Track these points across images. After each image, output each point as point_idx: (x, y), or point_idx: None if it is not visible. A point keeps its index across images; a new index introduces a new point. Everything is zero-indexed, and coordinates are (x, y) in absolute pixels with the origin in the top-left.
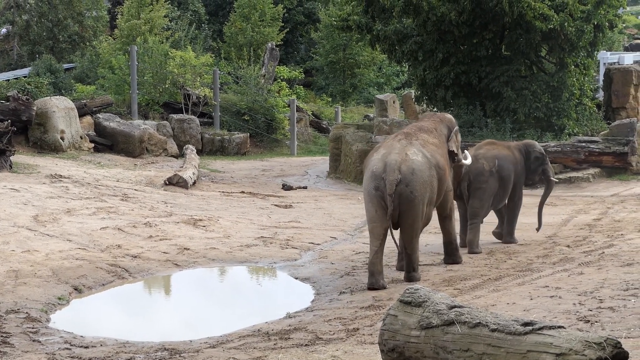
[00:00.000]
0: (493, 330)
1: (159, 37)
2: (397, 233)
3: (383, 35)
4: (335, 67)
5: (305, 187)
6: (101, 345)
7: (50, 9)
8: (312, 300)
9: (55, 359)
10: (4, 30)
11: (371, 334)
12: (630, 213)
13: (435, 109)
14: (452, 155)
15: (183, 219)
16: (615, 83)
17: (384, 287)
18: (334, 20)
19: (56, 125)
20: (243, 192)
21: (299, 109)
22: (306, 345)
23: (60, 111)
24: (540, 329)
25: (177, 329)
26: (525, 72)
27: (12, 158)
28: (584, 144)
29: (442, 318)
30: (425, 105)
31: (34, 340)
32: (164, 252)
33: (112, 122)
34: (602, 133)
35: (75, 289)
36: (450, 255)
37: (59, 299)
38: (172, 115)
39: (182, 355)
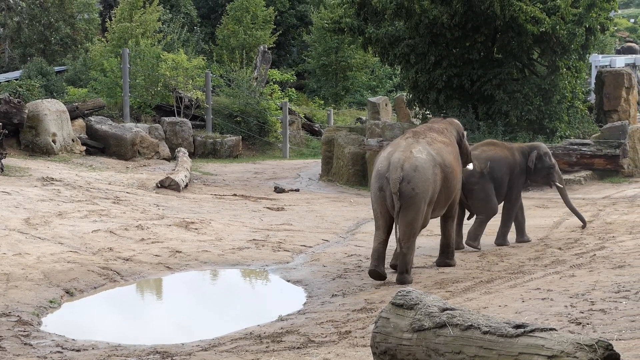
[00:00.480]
0: (485, 333)
1: (151, 39)
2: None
3: (375, 38)
4: (327, 69)
5: (297, 190)
6: (93, 348)
7: (42, 11)
8: (304, 303)
9: None
10: None
11: (363, 337)
12: (622, 215)
13: (427, 112)
14: (465, 158)
15: (175, 221)
16: (607, 86)
17: (385, 277)
18: (326, 23)
19: (48, 128)
20: (235, 194)
21: (291, 112)
22: (298, 348)
23: (52, 114)
24: (532, 331)
25: (169, 332)
26: (517, 75)
27: (3, 161)
28: (575, 147)
29: (434, 320)
30: (417, 109)
31: (25, 344)
32: (156, 255)
33: (104, 125)
34: (593, 136)
35: (67, 292)
36: (445, 257)
37: (51, 302)
38: (164, 118)
39: (174, 358)
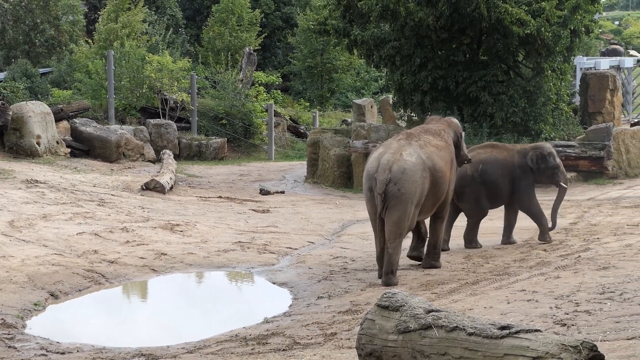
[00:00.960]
0: (470, 334)
1: (136, 41)
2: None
3: (361, 39)
4: (312, 71)
5: (282, 192)
6: (78, 351)
7: (26, 13)
8: (290, 305)
9: None
10: None
11: (349, 339)
12: (606, 217)
13: (413, 114)
14: (462, 159)
15: (160, 224)
16: (592, 88)
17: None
18: (312, 25)
19: (32, 130)
20: (220, 197)
21: (276, 114)
22: (284, 350)
23: (37, 116)
24: (517, 332)
25: (155, 335)
26: (503, 77)
27: None
28: (560, 149)
29: (420, 322)
30: (402, 111)
31: (9, 347)
32: (141, 258)
33: (88, 127)
34: (578, 137)
35: (52, 295)
36: (431, 258)
37: (35, 304)
38: (149, 120)
39: None
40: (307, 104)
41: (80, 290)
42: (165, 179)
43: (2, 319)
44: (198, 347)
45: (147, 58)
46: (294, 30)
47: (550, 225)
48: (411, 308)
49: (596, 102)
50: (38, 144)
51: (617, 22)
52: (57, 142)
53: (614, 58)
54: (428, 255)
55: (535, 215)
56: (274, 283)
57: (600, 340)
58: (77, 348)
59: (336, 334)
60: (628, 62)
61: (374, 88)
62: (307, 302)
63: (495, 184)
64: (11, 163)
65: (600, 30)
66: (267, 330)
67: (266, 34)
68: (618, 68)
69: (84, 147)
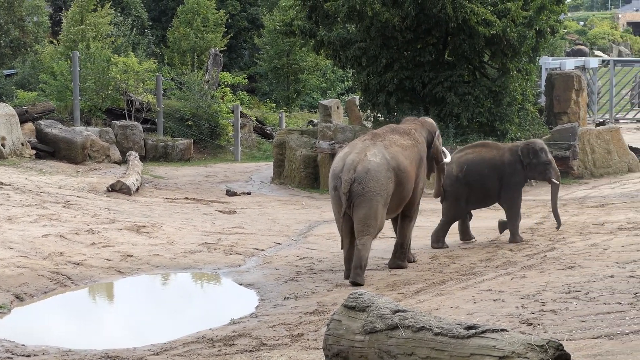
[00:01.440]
0: (437, 334)
1: (102, 42)
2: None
3: (327, 40)
4: (279, 72)
5: (249, 193)
6: (43, 353)
7: None
8: (257, 306)
9: None
10: None
11: (316, 339)
12: (572, 217)
13: (379, 115)
14: (435, 159)
15: (126, 225)
16: (557, 88)
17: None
18: (278, 26)
19: None
20: (187, 198)
21: (242, 115)
22: (251, 351)
23: (1, 117)
24: (484, 332)
25: (121, 337)
26: (469, 78)
27: None
28: None
29: (386, 322)
30: (369, 111)
31: None
32: (107, 259)
33: (54, 128)
34: (544, 138)
35: (17, 297)
36: (397, 258)
37: (0, 307)
38: (115, 121)
39: None
40: (274, 105)
41: (45, 293)
42: (131, 181)
43: None
44: (164, 348)
45: (112, 59)
46: (260, 31)
47: (557, 225)
48: (378, 308)
49: (561, 102)
50: (3, 145)
51: (582, 23)
52: (22, 144)
53: (579, 58)
54: (395, 255)
55: (513, 215)
56: (240, 284)
57: (567, 340)
58: (42, 350)
59: (303, 334)
60: (593, 62)
61: (339, 89)
62: (274, 303)
63: (481, 184)
64: None
65: (565, 30)
66: (234, 331)
67: (232, 34)
68: (583, 68)
69: (49, 149)
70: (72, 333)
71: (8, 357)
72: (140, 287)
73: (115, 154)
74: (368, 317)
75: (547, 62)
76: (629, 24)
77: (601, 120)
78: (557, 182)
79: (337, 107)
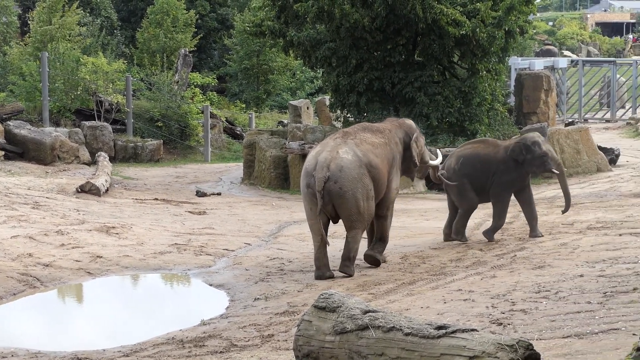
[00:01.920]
0: (407, 335)
1: (71, 43)
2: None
3: (297, 41)
4: (249, 73)
5: (219, 194)
6: (12, 355)
7: None
8: (227, 307)
9: None
10: None
11: (286, 340)
12: (542, 216)
13: (349, 115)
14: (411, 160)
15: (96, 226)
16: (526, 88)
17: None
18: (248, 26)
19: None
20: (156, 199)
21: (212, 116)
22: (221, 352)
23: None
24: (454, 332)
25: (91, 338)
26: (438, 78)
27: None
28: None
29: (357, 323)
30: (339, 111)
31: None
32: (77, 261)
33: (22, 129)
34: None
35: None
36: (375, 250)
37: None
38: (84, 122)
39: None
40: (244, 105)
41: (14, 294)
42: (101, 182)
43: None
44: (134, 350)
45: (81, 60)
46: (229, 31)
47: (564, 208)
48: (348, 309)
49: (531, 102)
50: None
51: (551, 23)
52: None
53: (548, 58)
54: (374, 247)
55: (499, 212)
56: (210, 285)
57: (536, 339)
58: (11, 352)
59: (273, 335)
60: (562, 62)
61: (309, 89)
62: (244, 304)
63: (475, 178)
64: None
65: (534, 31)
66: (204, 332)
67: (201, 35)
68: (552, 68)
69: (18, 150)
70: (42, 335)
71: None
72: (110, 288)
73: (85, 154)
74: (338, 318)
75: (517, 63)
76: (597, 24)
77: (570, 120)
78: (558, 171)
79: (307, 108)
